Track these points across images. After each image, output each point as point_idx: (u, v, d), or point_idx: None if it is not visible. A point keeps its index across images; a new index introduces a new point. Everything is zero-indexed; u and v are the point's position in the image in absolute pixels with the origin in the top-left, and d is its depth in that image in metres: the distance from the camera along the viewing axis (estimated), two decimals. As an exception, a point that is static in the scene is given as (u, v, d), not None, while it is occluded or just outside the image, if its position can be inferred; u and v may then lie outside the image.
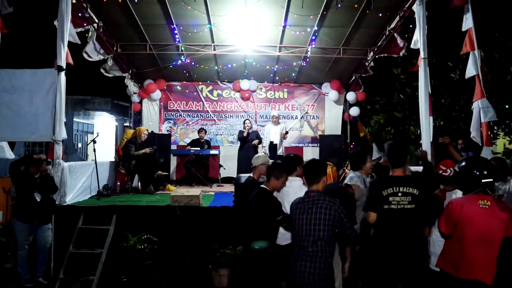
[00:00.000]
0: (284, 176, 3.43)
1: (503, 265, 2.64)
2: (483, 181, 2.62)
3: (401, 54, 7.22)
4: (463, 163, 2.75)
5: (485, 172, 2.62)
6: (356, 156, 3.95)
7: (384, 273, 2.89)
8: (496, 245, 2.58)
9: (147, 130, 7.46)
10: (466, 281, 2.59)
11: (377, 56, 7.86)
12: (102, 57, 7.31)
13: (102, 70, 7.93)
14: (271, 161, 4.30)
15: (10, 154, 5.42)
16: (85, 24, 6.27)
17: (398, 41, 6.96)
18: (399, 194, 2.88)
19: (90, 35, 6.59)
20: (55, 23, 5.22)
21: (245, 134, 8.07)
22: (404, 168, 3.06)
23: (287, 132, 8.19)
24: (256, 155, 4.23)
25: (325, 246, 2.79)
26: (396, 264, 2.86)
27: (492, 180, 2.63)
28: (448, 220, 2.71)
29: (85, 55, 6.81)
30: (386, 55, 7.64)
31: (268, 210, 3.32)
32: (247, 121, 8.26)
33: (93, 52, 6.93)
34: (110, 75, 8.13)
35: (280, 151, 8.08)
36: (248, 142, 8.08)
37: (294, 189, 3.63)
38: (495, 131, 10.55)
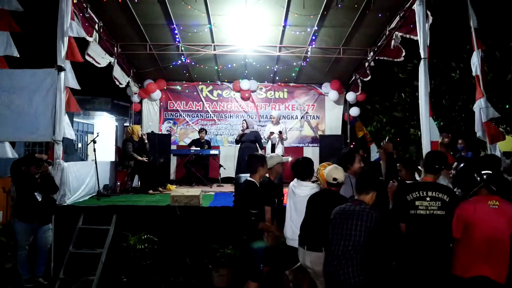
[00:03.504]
0: (266, 164, 3.75)
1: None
2: (482, 172, 2.62)
3: (401, 57, 7.18)
4: (462, 165, 2.82)
5: (483, 166, 2.65)
6: (344, 157, 3.93)
7: (410, 280, 2.78)
8: (507, 243, 2.59)
9: (140, 126, 7.71)
10: (474, 278, 2.59)
11: (377, 58, 7.85)
12: (108, 61, 7.28)
13: (114, 80, 7.95)
14: (285, 158, 4.27)
15: (12, 154, 5.41)
16: (86, 24, 6.26)
17: (399, 44, 6.89)
18: (427, 199, 2.76)
19: (93, 37, 6.56)
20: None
21: (237, 138, 8.07)
22: (436, 176, 2.97)
23: (280, 132, 7.86)
24: (269, 155, 4.18)
25: (360, 250, 2.78)
26: (423, 272, 2.74)
27: (491, 172, 2.62)
28: (459, 223, 2.68)
29: (89, 59, 6.76)
30: (386, 58, 7.60)
31: (247, 202, 3.46)
32: (243, 122, 8.22)
33: (98, 57, 6.90)
34: (123, 85, 8.29)
35: (279, 151, 7.88)
36: (245, 142, 8.00)
37: (305, 192, 3.64)
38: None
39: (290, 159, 4.62)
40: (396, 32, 6.55)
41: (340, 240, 2.80)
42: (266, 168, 3.72)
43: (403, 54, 7.03)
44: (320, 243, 3.17)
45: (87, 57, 6.67)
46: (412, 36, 6.10)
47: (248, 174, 3.76)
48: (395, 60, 7.40)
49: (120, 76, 8.11)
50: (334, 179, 3.36)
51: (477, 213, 2.62)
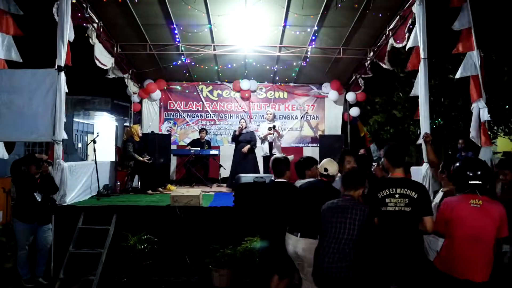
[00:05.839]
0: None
1: (497, 265, 2.67)
2: (470, 182, 2.65)
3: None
4: (458, 164, 2.79)
5: (474, 174, 2.65)
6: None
7: (379, 272, 2.90)
8: (489, 244, 2.59)
9: (139, 126, 7.73)
10: (459, 281, 2.60)
11: (374, 60, 7.92)
12: (112, 62, 7.26)
13: (97, 62, 7.77)
14: (290, 157, 4.29)
15: (3, 155, 5.40)
16: (84, 24, 6.27)
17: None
18: (397, 196, 2.84)
19: (90, 35, 6.54)
20: (54, 10, 5.21)
21: (237, 133, 8.01)
22: (405, 169, 3.01)
23: (274, 126, 7.68)
24: (273, 157, 4.20)
25: (353, 245, 2.85)
26: (390, 265, 2.86)
27: (480, 182, 2.64)
28: (440, 219, 2.75)
29: (97, 63, 6.78)
30: (381, 63, 7.70)
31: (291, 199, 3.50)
32: (242, 120, 8.22)
33: (103, 58, 6.88)
34: (111, 76, 8.08)
35: (274, 151, 7.64)
36: (241, 142, 8.00)
37: None
38: (494, 131, 10.56)
39: (292, 157, 4.66)
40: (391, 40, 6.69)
41: (334, 233, 2.87)
42: (290, 170, 3.80)
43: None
44: (315, 230, 3.20)
45: (96, 61, 6.68)
46: (400, 44, 6.42)
47: (249, 174, 3.78)
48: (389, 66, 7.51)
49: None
50: (325, 169, 3.46)
51: (455, 210, 2.65)
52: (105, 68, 7.17)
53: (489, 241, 2.59)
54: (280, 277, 3.65)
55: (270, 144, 7.84)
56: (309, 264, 3.24)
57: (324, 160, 3.57)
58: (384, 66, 7.66)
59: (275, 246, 3.56)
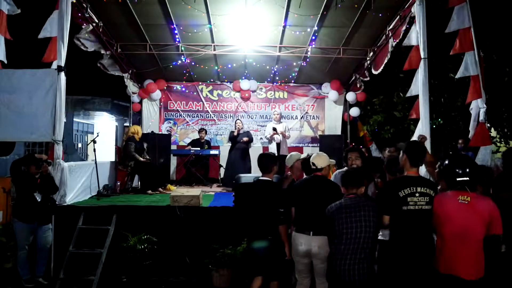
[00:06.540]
0: (277, 164, 3.82)
1: (488, 263, 2.65)
2: (457, 179, 2.66)
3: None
4: (446, 161, 2.80)
5: (461, 171, 2.66)
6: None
7: (398, 274, 2.83)
8: (477, 241, 2.58)
9: (140, 126, 7.83)
10: (447, 276, 2.61)
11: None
12: (96, 48, 7.17)
13: (99, 65, 7.75)
14: (303, 155, 4.29)
15: None
16: (85, 24, 6.27)
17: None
18: (417, 195, 2.82)
19: (85, 31, 6.49)
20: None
21: (235, 133, 8.04)
22: (418, 169, 3.01)
23: (275, 129, 7.90)
24: (288, 155, 4.23)
25: (372, 244, 2.85)
26: (411, 266, 2.80)
27: (468, 179, 2.64)
28: (433, 216, 2.77)
29: (80, 44, 6.60)
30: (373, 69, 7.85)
31: (274, 201, 3.52)
32: (238, 121, 8.25)
33: (87, 43, 6.80)
34: (108, 72, 8.06)
35: (282, 151, 7.88)
36: (238, 143, 8.03)
37: None
38: (490, 133, 10.56)
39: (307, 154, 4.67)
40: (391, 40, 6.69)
41: (351, 234, 2.83)
42: (277, 167, 3.79)
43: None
44: (325, 227, 3.19)
45: (75, 40, 6.50)
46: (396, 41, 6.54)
47: (250, 174, 3.79)
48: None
49: (110, 68, 7.94)
50: (313, 164, 3.48)
51: (442, 206, 2.67)
52: (86, 50, 6.87)
53: (477, 238, 2.58)
54: (268, 279, 3.59)
55: (278, 145, 7.94)
56: (322, 261, 3.26)
57: (313, 155, 3.58)
58: (373, 71, 7.81)
59: (266, 246, 3.53)
